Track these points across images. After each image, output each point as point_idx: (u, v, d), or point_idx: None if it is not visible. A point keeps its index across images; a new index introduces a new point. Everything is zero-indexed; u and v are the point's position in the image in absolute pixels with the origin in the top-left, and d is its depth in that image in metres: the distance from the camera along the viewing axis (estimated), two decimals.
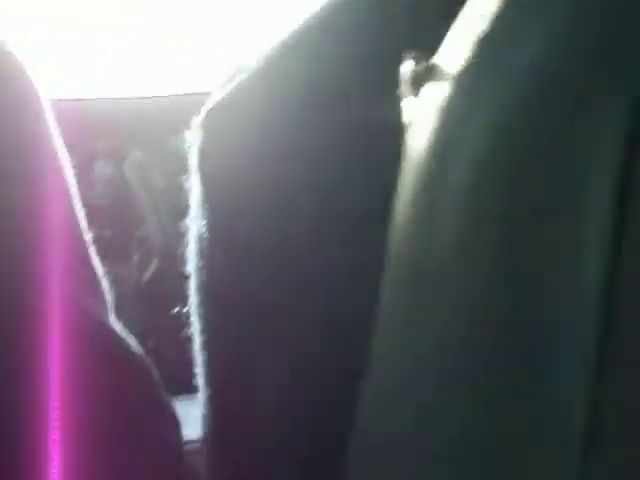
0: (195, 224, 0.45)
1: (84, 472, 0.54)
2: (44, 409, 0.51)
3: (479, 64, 0.28)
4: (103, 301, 0.59)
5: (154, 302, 1.32)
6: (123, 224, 1.43)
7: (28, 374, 0.50)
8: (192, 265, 0.45)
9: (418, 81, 0.30)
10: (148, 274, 1.34)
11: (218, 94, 0.44)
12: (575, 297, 0.28)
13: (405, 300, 0.33)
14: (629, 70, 0.27)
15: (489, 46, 0.28)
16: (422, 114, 0.30)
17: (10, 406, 0.49)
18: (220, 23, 1.67)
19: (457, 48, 0.29)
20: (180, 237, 1.46)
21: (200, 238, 0.44)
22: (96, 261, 0.57)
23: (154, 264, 1.34)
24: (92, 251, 0.56)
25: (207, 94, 1.42)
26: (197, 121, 0.44)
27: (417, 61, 0.30)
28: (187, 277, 1.26)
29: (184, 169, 1.45)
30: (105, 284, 0.59)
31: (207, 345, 0.44)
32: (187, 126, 1.43)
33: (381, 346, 0.35)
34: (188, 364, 1.39)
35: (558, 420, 0.30)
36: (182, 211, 1.45)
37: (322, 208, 0.37)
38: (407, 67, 0.31)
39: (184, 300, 1.33)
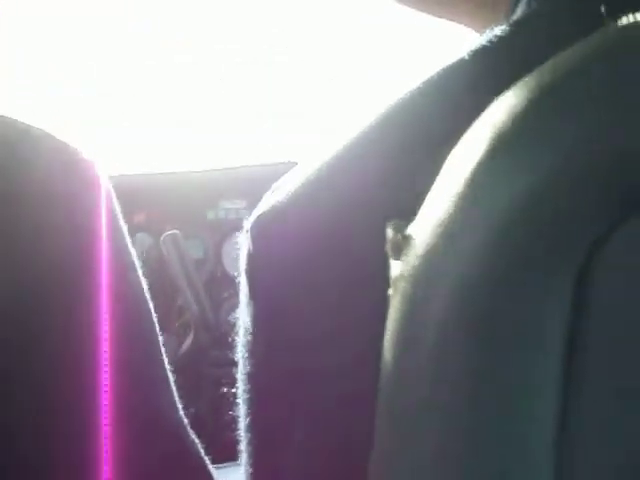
0: (242, 318, 0.49)
1: None
2: None
3: (444, 230, 0.33)
4: (172, 396, 0.61)
5: (192, 370, 1.35)
6: (163, 295, 1.47)
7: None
8: (240, 354, 0.48)
9: (397, 249, 0.35)
10: (186, 344, 1.37)
11: (269, 200, 0.47)
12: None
13: (385, 435, 0.36)
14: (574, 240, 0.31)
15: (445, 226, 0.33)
16: (399, 277, 0.35)
17: None
18: (253, 103, 1.73)
19: (429, 215, 0.34)
20: (216, 307, 1.51)
21: (246, 331, 0.48)
22: (164, 356, 0.60)
23: (191, 335, 1.36)
24: (161, 347, 0.59)
25: (242, 168, 1.50)
26: (247, 225, 0.48)
27: (396, 230, 0.35)
28: (222, 345, 1.32)
29: (221, 241, 1.52)
30: (171, 378, 0.61)
31: (249, 428, 0.47)
32: (224, 198, 1.51)
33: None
34: (226, 430, 1.42)
35: None
36: (219, 281, 1.50)
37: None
38: (389, 234, 0.35)
39: (220, 366, 1.37)
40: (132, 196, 1.49)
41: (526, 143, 0.32)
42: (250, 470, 0.48)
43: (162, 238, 1.34)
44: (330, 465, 0.42)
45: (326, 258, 0.43)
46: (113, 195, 0.59)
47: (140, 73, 1.71)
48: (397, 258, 0.36)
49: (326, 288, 0.43)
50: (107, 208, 0.57)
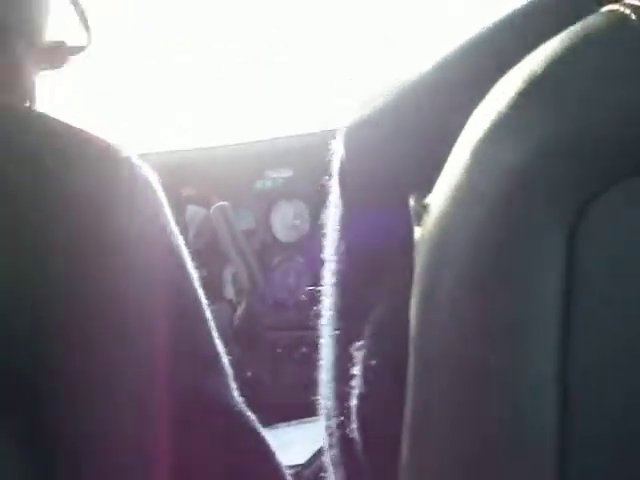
0: (329, 224, 0.52)
1: None
2: None
3: (453, 194, 0.37)
4: (222, 377, 0.62)
5: (248, 335, 1.39)
6: (217, 265, 1.51)
7: (143, 455, 0.56)
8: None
9: (418, 216, 0.39)
10: (240, 311, 1.41)
11: (357, 113, 0.51)
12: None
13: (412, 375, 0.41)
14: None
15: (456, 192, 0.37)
16: (419, 241, 0.39)
17: None
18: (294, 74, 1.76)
19: (443, 184, 0.38)
20: (270, 274, 1.56)
21: (332, 233, 0.52)
22: (215, 338, 0.61)
23: (244, 302, 1.40)
24: (212, 329, 0.61)
25: (287, 138, 1.54)
26: (340, 133, 0.52)
27: (417, 200, 0.39)
28: (276, 310, 1.36)
29: (270, 209, 1.57)
30: (225, 360, 0.62)
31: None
32: (270, 168, 1.56)
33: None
34: (283, 392, 1.47)
35: None
36: (270, 249, 1.54)
37: None
38: (411, 203, 0.40)
39: (274, 330, 1.42)
40: (182, 171, 1.53)
41: (524, 115, 0.35)
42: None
43: (211, 210, 1.37)
44: None
45: (413, 161, 0.46)
46: (157, 186, 0.60)
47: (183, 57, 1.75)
48: (418, 224, 0.39)
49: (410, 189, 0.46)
50: (150, 204, 0.58)
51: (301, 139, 1.51)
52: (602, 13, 0.35)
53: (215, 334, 0.62)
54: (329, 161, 1.57)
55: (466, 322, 0.37)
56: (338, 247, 0.52)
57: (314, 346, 1.48)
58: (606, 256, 0.34)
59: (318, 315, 1.59)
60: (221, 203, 1.36)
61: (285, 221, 1.51)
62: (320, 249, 1.47)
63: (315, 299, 1.49)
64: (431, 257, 0.38)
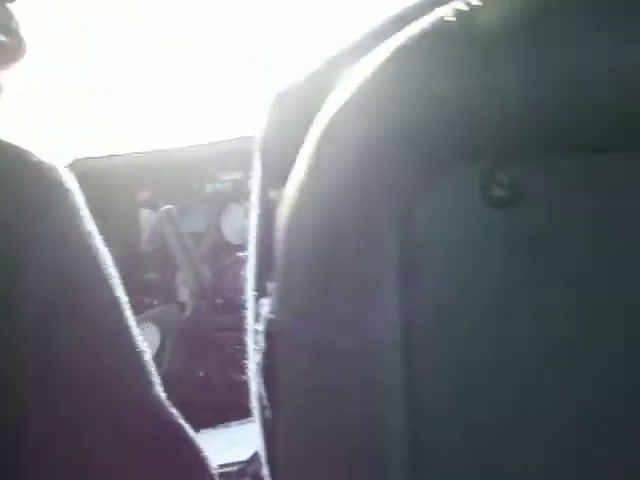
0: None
1: None
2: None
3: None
4: (145, 375, 0.64)
5: (197, 336, 1.42)
6: (168, 268, 1.54)
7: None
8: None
9: (275, 206, 0.45)
10: (187, 312, 1.45)
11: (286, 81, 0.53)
12: None
13: None
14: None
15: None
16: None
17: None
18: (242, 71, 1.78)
19: (295, 174, 0.44)
20: (221, 275, 1.59)
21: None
22: (138, 339, 0.64)
23: (191, 303, 1.43)
24: (135, 332, 0.63)
25: (236, 140, 1.58)
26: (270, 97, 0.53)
27: (277, 193, 0.46)
28: (226, 310, 1.40)
29: (220, 212, 1.61)
30: (146, 356, 0.64)
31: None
32: (221, 170, 1.61)
33: None
34: (232, 391, 1.50)
35: None
36: (221, 251, 1.56)
37: None
38: (273, 196, 0.46)
39: (223, 330, 1.45)
40: (136, 173, 1.55)
41: (364, 104, 0.40)
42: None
43: (157, 213, 1.38)
44: None
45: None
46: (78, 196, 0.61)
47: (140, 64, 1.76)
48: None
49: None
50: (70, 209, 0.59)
51: (249, 141, 1.54)
52: (432, 16, 0.40)
53: (136, 338, 0.64)
54: None
55: (314, 305, 0.41)
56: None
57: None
58: (438, 239, 0.39)
59: None
60: (167, 207, 1.37)
61: (235, 223, 1.54)
62: None
63: None
64: (285, 245, 0.43)
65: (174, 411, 0.64)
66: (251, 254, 0.53)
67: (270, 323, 0.47)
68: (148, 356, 0.64)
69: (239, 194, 1.53)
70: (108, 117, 1.74)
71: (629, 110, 0.37)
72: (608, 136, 0.38)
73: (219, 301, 1.43)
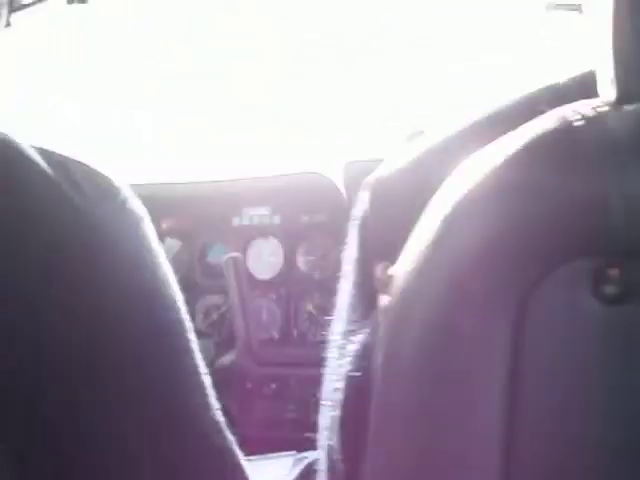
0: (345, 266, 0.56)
1: None
2: None
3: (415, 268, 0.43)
4: (203, 397, 0.62)
5: (221, 370, 1.40)
6: (189, 297, 1.53)
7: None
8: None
9: (384, 285, 0.44)
10: (226, 359, 1.43)
11: (385, 167, 0.55)
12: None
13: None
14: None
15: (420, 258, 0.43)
16: (384, 309, 0.45)
17: None
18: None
19: (406, 257, 0.43)
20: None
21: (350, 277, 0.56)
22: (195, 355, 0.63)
23: (233, 354, 1.41)
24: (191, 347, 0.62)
25: (266, 177, 1.58)
26: (367, 183, 0.55)
27: (384, 270, 0.44)
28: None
29: (246, 245, 1.60)
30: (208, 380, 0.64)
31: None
32: (248, 205, 1.60)
33: None
34: (251, 426, 1.48)
35: None
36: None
37: None
38: (378, 273, 0.45)
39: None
40: (161, 203, 1.55)
41: (484, 200, 0.40)
42: None
43: (224, 259, 1.38)
44: None
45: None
46: (144, 214, 0.60)
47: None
48: (384, 293, 0.44)
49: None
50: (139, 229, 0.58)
51: (279, 179, 1.55)
52: (554, 116, 0.40)
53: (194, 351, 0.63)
54: (305, 201, 1.60)
55: (423, 380, 0.41)
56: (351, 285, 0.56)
57: (283, 382, 1.50)
58: (551, 332, 0.39)
59: (288, 352, 1.60)
60: (234, 254, 1.38)
61: (260, 258, 1.54)
62: (292, 287, 1.49)
63: (286, 337, 1.51)
64: (393, 324, 0.43)
65: (229, 436, 0.63)
66: (343, 307, 0.55)
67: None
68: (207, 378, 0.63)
69: (265, 229, 1.54)
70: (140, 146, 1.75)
71: None
72: None
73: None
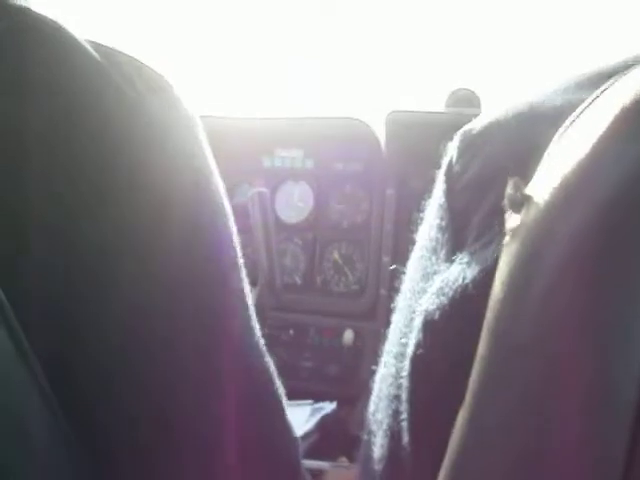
0: (425, 225, 0.53)
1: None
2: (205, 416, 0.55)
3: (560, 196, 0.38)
4: (257, 336, 0.62)
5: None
6: None
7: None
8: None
9: (516, 204, 0.40)
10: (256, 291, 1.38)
11: (477, 121, 0.52)
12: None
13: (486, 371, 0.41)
14: None
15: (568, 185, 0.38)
16: (518, 227, 0.40)
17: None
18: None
19: (545, 180, 0.39)
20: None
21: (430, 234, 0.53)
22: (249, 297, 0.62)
23: (255, 292, 1.37)
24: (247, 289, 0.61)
25: (302, 119, 1.53)
26: (456, 137, 0.52)
27: (515, 188, 0.40)
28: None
29: (275, 188, 1.57)
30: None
31: None
32: (280, 146, 1.57)
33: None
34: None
35: None
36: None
37: None
38: (509, 190, 0.41)
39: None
40: None
41: None
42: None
43: (249, 194, 1.34)
44: None
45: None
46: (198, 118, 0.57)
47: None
48: (516, 212, 0.40)
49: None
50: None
51: (315, 122, 1.50)
52: None
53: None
54: (341, 148, 1.55)
55: (561, 318, 0.37)
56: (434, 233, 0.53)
57: (302, 330, 1.48)
58: None
59: (309, 299, 1.57)
60: (260, 189, 1.34)
61: (289, 201, 1.50)
62: (320, 234, 1.45)
63: (309, 283, 1.48)
64: (533, 243, 0.39)
65: (270, 364, 0.62)
66: (429, 222, 0.52)
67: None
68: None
69: (296, 173, 1.50)
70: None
71: None
72: None
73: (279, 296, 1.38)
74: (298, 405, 1.21)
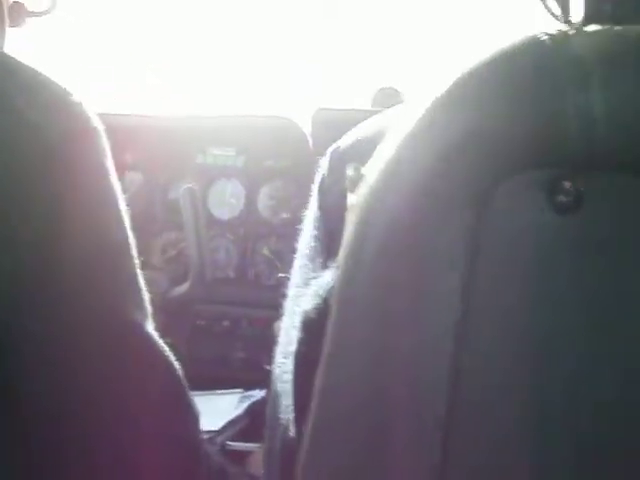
0: (306, 226, 0.59)
1: (111, 471, 0.62)
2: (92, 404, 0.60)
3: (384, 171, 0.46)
4: (145, 312, 0.66)
5: (174, 305, 1.41)
6: (146, 233, 1.53)
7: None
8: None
9: (353, 184, 0.46)
10: (179, 291, 1.42)
11: (349, 136, 0.59)
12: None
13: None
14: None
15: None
16: (353, 206, 0.47)
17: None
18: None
19: (378, 158, 0.47)
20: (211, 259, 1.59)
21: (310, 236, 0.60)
22: (142, 281, 0.66)
23: (187, 285, 1.41)
24: (139, 272, 0.65)
25: (234, 117, 1.59)
26: (329, 151, 0.60)
27: (354, 170, 0.46)
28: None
29: (208, 185, 1.61)
30: (147, 299, 0.67)
31: None
32: (213, 144, 1.61)
33: None
34: (198, 363, 1.49)
35: None
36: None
37: None
38: (348, 173, 0.47)
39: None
40: (124, 135, 1.54)
41: (448, 113, 0.42)
42: None
43: (180, 191, 1.37)
44: None
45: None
46: (103, 134, 0.63)
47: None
48: (352, 191, 0.46)
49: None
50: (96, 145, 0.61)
51: (247, 120, 1.54)
52: (525, 37, 0.43)
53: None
54: (271, 145, 1.59)
55: (389, 276, 0.43)
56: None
57: (235, 321, 1.52)
58: (505, 239, 0.42)
59: (242, 292, 1.61)
60: (189, 186, 1.37)
61: (221, 198, 1.54)
62: (251, 229, 1.50)
63: (241, 277, 1.53)
64: (362, 220, 0.45)
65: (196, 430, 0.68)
66: (308, 233, 0.58)
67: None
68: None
69: (228, 170, 1.54)
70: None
71: None
72: None
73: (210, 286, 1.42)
74: (228, 394, 1.26)
